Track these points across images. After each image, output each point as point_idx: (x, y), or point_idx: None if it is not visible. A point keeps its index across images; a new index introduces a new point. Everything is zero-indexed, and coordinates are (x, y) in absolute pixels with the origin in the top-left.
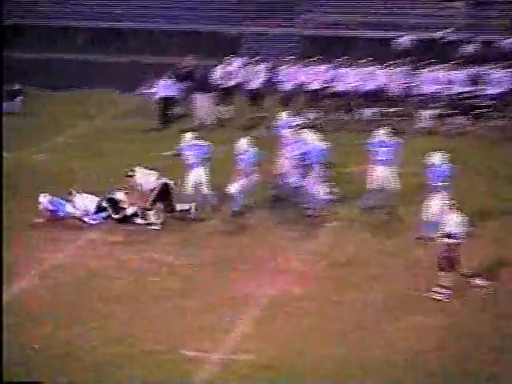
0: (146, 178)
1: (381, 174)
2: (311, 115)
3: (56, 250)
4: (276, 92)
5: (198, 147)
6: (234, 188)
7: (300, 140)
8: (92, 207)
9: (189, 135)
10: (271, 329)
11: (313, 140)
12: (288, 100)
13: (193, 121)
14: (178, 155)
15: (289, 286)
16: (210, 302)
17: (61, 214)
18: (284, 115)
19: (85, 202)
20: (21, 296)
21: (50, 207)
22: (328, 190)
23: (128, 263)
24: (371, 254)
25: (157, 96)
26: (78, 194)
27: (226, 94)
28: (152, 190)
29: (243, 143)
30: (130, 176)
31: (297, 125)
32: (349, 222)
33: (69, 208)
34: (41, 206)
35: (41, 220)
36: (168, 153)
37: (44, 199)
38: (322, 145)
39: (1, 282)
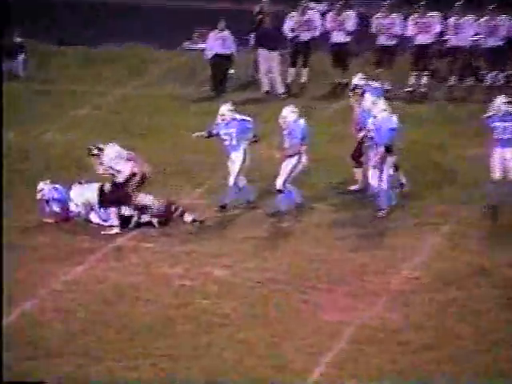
0: (120, 155)
1: (501, 159)
2: (414, 79)
3: (71, 262)
4: (369, 48)
5: (236, 123)
6: (279, 182)
7: (365, 112)
8: (94, 198)
9: (225, 107)
10: (363, 368)
11: (381, 112)
12: (384, 59)
13: (258, 87)
14: (210, 136)
15: (383, 312)
16: (279, 333)
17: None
18: (358, 78)
19: (85, 194)
20: (24, 322)
21: (56, 195)
22: (389, 182)
23: (165, 279)
24: (493, 269)
25: (208, 53)
26: (78, 185)
27: (300, 51)
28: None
29: (288, 113)
30: (95, 155)
31: (356, 86)
32: (459, 226)
33: (72, 206)
34: (40, 195)
35: (49, 220)
36: (200, 133)
37: (45, 187)
38: (393, 121)
39: (1, 284)
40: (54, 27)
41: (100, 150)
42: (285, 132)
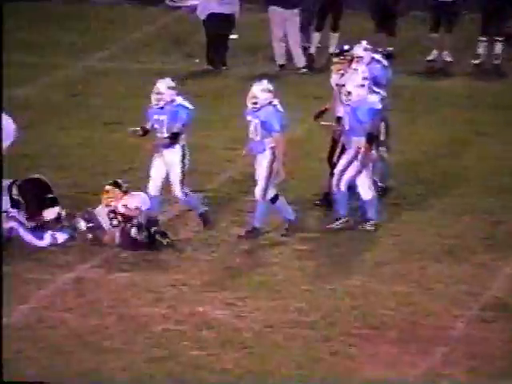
0: None
1: None
2: (483, 48)
3: (12, 299)
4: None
5: (170, 108)
6: (257, 190)
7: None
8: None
9: (163, 84)
10: None
11: (357, 88)
12: (443, 20)
13: (271, 59)
14: (146, 133)
15: (441, 367)
16: None
17: None
18: (361, 48)
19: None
20: None
21: None
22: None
23: (143, 322)
24: None
25: (202, 13)
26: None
27: (329, 10)
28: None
29: (259, 92)
30: None
31: (344, 50)
32: None
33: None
34: None
35: None
36: (134, 128)
37: None
38: (374, 101)
39: (1, 285)
40: None
41: None
42: (252, 118)
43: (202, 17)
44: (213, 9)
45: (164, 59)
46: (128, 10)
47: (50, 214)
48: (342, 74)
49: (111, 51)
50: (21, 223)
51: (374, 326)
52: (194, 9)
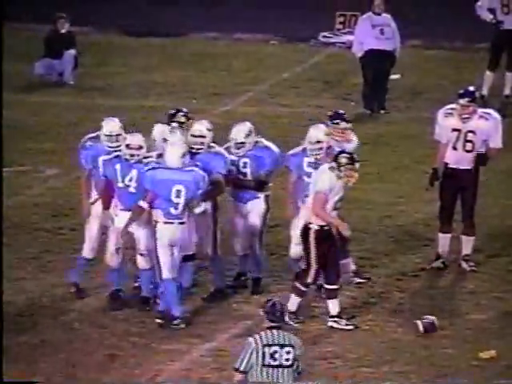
0: None
1: None
2: None
3: (143, 370)
4: None
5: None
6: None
7: None
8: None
9: (202, 126)
10: None
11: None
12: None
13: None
14: None
15: None
16: None
17: None
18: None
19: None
20: None
21: None
22: None
23: None
24: None
25: (358, 49)
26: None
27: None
28: None
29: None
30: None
31: None
32: None
33: None
34: None
35: None
36: None
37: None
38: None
39: (1, 279)
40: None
41: None
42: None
43: (359, 54)
44: (371, 45)
45: (314, 102)
46: (274, 47)
47: None
48: (466, 119)
49: (255, 94)
50: None
51: None
52: (349, 45)
